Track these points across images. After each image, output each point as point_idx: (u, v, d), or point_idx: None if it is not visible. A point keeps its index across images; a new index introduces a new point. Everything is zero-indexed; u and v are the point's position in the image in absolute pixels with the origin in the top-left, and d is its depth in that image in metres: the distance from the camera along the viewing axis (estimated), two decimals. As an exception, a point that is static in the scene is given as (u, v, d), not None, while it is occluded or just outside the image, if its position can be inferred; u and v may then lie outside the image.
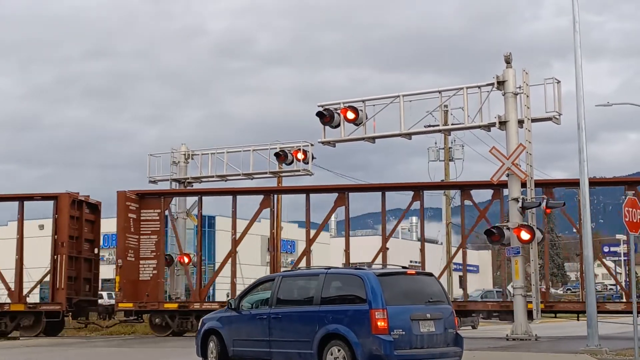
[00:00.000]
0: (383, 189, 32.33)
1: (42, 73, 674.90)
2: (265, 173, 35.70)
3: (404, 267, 16.97)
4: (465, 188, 31.41)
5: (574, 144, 21.53)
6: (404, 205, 32.92)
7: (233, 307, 17.42)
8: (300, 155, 34.12)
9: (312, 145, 34.14)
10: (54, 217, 33.24)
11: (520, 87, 26.34)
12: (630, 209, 18.86)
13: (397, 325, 14.62)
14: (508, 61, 26.48)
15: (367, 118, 28.62)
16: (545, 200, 26.25)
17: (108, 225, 39.00)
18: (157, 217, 33.19)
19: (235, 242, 33.00)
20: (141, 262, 32.67)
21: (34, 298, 38.69)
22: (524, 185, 26.07)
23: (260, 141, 37.97)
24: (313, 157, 34.66)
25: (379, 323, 14.50)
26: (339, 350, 14.93)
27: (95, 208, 34.88)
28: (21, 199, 34.23)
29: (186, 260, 34.36)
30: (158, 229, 33.15)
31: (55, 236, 32.98)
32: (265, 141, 35.45)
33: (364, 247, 49.05)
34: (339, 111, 28.53)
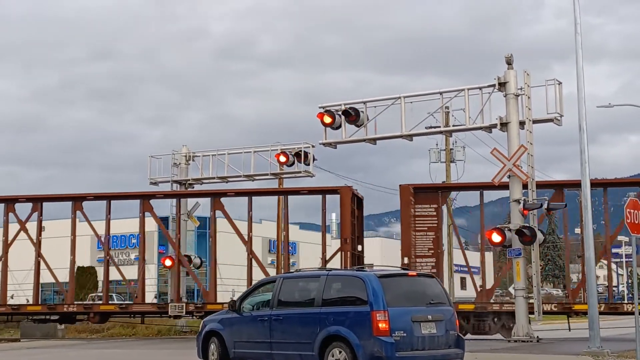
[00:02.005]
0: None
1: (45, 75, 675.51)
2: (267, 174, 35.65)
3: (405, 269, 16.93)
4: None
5: (575, 146, 21.51)
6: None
7: (234, 308, 17.39)
8: (301, 157, 34.09)
9: (313, 146, 34.08)
10: (323, 212, 32.36)
11: (521, 89, 26.29)
12: (632, 211, 18.80)
13: (399, 326, 14.57)
14: (509, 62, 26.44)
15: (368, 119, 28.60)
16: (546, 202, 26.19)
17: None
18: (434, 213, 30.75)
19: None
20: (417, 260, 30.53)
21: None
22: (525, 186, 26.03)
23: (262, 143, 37.90)
24: (314, 159, 34.62)
25: (380, 325, 14.45)
26: (340, 352, 14.88)
27: (360, 202, 33.70)
28: (285, 193, 33.35)
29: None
30: (435, 225, 30.76)
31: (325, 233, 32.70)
32: (267, 143, 35.41)
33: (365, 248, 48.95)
34: (340, 112, 28.51)
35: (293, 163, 34.37)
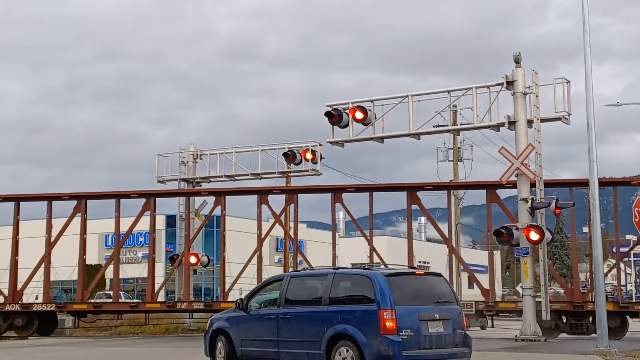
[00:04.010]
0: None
1: (52, 76, 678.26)
2: (274, 173, 35.66)
3: (412, 268, 16.89)
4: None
5: (582, 146, 21.57)
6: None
7: (241, 307, 17.39)
8: (308, 155, 34.07)
9: (320, 145, 34.09)
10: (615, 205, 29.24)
11: (529, 87, 26.22)
12: (641, 209, 18.77)
13: (406, 325, 14.54)
14: (517, 61, 26.37)
15: (375, 118, 28.55)
16: (554, 201, 26.11)
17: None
18: None
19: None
20: None
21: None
22: (533, 185, 25.98)
23: (269, 142, 37.88)
24: (322, 157, 34.60)
25: (387, 323, 14.43)
26: (347, 351, 14.87)
27: None
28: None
29: (194, 260, 34.30)
30: None
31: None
32: (273, 142, 35.40)
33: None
34: (347, 111, 28.48)
35: (300, 161, 34.37)
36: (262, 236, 32.73)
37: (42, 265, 33.42)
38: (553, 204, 25.91)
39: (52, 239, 33.62)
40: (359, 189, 32.94)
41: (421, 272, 16.16)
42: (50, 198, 34.30)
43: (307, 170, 34.85)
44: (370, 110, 28.45)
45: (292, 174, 36.73)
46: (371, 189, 32.66)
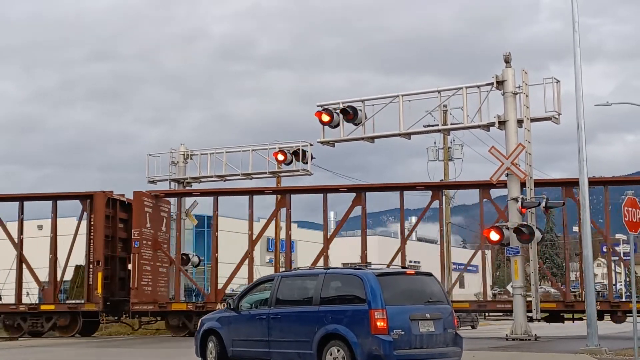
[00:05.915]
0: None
1: (45, 76, 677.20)
2: (265, 173, 35.62)
3: (403, 267, 16.92)
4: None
5: (572, 145, 21.66)
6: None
7: (232, 307, 17.39)
8: (299, 155, 34.04)
9: (311, 145, 34.06)
10: None
11: (519, 87, 26.29)
12: (630, 209, 18.81)
13: (397, 325, 14.58)
14: (507, 61, 26.43)
15: (366, 118, 28.59)
16: (544, 200, 26.19)
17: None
18: None
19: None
20: None
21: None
22: (523, 185, 26.05)
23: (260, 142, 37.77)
24: (312, 157, 34.59)
25: (378, 323, 14.46)
26: (338, 351, 14.89)
27: None
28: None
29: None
30: None
31: None
32: (265, 142, 35.35)
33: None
34: (338, 111, 28.50)
35: (291, 162, 34.33)
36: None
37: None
38: (543, 204, 26.00)
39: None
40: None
41: (412, 271, 16.20)
42: (216, 194, 33.86)
43: (297, 170, 34.82)
44: (360, 110, 28.48)
45: (282, 174, 36.69)
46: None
